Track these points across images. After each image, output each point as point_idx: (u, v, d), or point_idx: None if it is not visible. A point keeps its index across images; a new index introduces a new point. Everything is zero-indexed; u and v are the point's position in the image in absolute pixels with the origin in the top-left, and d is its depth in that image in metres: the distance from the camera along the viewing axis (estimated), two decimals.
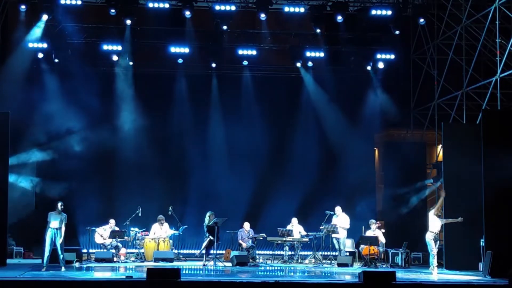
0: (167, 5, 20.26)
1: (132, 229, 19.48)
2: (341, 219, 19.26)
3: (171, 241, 19.52)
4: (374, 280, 13.48)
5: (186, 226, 20.06)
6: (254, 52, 21.76)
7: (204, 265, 17.66)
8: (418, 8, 21.24)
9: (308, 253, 19.91)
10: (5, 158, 17.33)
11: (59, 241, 15.72)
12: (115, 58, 21.40)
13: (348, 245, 19.68)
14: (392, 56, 21.84)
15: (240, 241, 19.34)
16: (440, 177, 20.20)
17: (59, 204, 15.92)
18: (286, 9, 20.73)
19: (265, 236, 19.44)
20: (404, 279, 14.70)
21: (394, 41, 21.53)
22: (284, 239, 19.15)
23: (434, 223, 16.36)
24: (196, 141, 21.86)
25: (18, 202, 19.54)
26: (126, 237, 19.12)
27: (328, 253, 19.24)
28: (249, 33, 22.01)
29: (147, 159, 21.42)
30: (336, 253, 19.17)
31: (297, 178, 21.63)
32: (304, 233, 19.53)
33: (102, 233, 19.12)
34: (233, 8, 20.37)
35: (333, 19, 20.66)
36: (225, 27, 20.67)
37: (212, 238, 17.80)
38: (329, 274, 16.52)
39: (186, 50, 21.38)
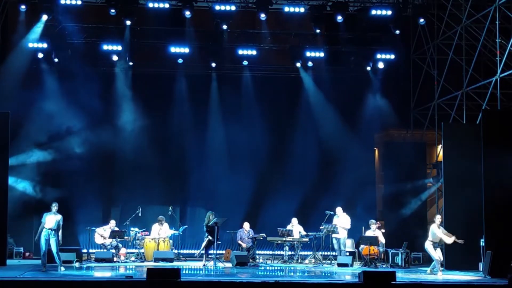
0: (167, 5, 20.25)
1: (132, 229, 19.48)
2: (342, 220, 19.26)
3: (171, 241, 19.51)
4: (374, 280, 13.49)
5: (186, 226, 20.08)
6: (254, 52, 21.75)
7: (204, 265, 17.66)
8: (418, 8, 21.23)
9: (308, 253, 19.91)
10: (5, 158, 17.35)
11: (54, 243, 15.60)
12: (115, 58, 21.39)
13: (348, 245, 19.68)
14: (392, 56, 21.83)
15: (240, 241, 19.34)
16: (440, 177, 20.20)
17: (53, 205, 15.88)
18: (286, 9, 20.73)
19: (265, 236, 19.44)
20: (404, 279, 14.70)
21: (394, 41, 21.52)
22: (284, 239, 19.15)
23: (436, 235, 16.33)
24: (196, 141, 21.85)
25: (18, 202, 19.53)
26: (126, 237, 19.13)
27: (328, 253, 19.25)
28: (249, 33, 22.00)
29: (147, 159, 21.40)
30: (336, 253, 19.17)
31: (297, 177, 21.62)
32: (304, 233, 19.53)
33: (102, 233, 19.12)
34: (233, 8, 20.37)
35: (333, 19, 20.65)
36: (225, 27, 20.66)
37: (211, 238, 17.79)
38: (329, 274, 16.52)
39: (186, 50, 21.37)
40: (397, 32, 20.90)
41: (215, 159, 21.90)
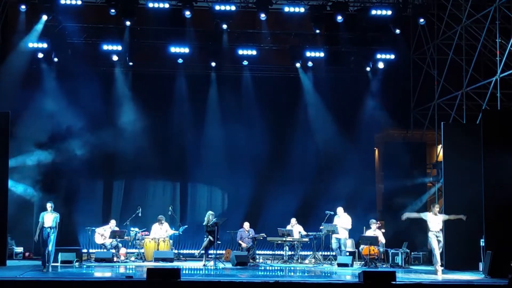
0: (167, 5, 20.25)
1: (132, 229, 19.48)
2: (342, 220, 19.24)
3: (171, 241, 19.51)
4: (374, 280, 13.49)
5: (186, 226, 20.07)
6: (254, 52, 21.75)
7: (204, 265, 17.66)
8: (418, 8, 21.24)
9: (308, 253, 19.90)
10: (5, 158, 17.33)
11: (53, 241, 15.73)
12: (115, 58, 21.39)
13: (348, 245, 19.67)
14: (392, 56, 21.84)
15: (240, 241, 19.34)
16: (440, 177, 20.20)
17: (49, 204, 16.03)
18: (286, 9, 20.72)
19: (265, 236, 19.44)
20: (404, 279, 14.70)
21: (394, 41, 21.51)
22: (284, 239, 19.15)
23: (433, 223, 16.38)
24: (196, 141, 21.84)
25: (18, 202, 19.52)
26: (126, 237, 19.13)
27: (328, 253, 19.26)
28: (249, 33, 22.01)
29: (147, 159, 21.40)
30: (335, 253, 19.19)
31: (297, 177, 21.61)
32: (304, 233, 19.54)
33: (102, 233, 19.12)
34: (233, 8, 20.37)
35: (333, 19, 20.65)
36: (225, 27, 20.67)
37: (211, 238, 17.79)
38: (329, 274, 16.52)
39: (186, 50, 21.37)
40: (397, 32, 20.89)
41: (215, 159, 21.89)
